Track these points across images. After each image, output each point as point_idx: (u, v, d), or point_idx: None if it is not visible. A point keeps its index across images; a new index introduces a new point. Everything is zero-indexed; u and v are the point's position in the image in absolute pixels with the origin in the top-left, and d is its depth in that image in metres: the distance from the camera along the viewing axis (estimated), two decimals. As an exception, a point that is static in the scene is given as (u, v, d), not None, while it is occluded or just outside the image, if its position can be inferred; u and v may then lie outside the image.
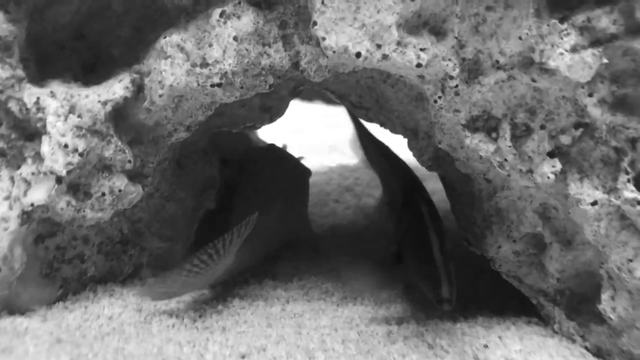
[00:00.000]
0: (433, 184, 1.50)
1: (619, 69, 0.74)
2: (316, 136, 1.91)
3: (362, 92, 0.99)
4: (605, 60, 0.72)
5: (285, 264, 1.16)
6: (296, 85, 1.03)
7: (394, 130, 1.01)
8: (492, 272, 0.98)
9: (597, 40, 0.73)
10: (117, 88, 0.88)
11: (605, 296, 0.81)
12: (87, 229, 0.94)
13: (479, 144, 0.82)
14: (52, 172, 0.85)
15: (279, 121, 1.11)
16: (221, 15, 0.83)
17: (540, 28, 0.75)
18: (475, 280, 1.08)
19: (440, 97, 0.80)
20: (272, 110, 1.07)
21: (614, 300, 0.80)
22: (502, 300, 1.01)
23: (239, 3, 0.83)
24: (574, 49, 0.73)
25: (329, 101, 2.17)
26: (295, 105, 2.29)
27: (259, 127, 1.12)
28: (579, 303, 0.87)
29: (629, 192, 0.75)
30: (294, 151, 1.81)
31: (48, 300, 0.92)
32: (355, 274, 1.05)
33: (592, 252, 0.82)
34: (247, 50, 0.83)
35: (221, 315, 0.95)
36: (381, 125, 1.02)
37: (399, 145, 1.03)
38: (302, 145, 1.82)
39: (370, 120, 1.04)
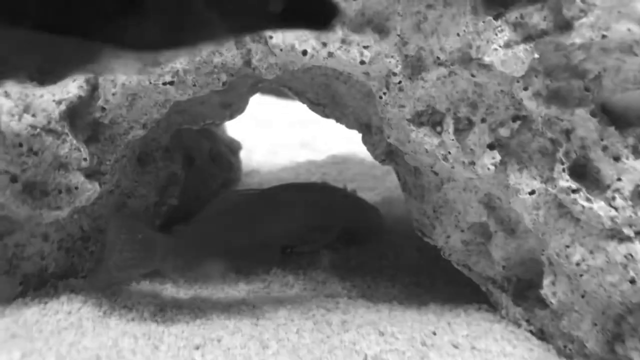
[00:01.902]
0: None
1: (552, 64, 0.77)
2: (287, 133, 1.94)
3: (319, 89, 1.02)
4: (536, 55, 0.75)
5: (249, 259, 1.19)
6: (254, 83, 1.05)
7: (349, 125, 1.03)
8: (448, 262, 1.01)
9: (529, 36, 0.76)
10: (71, 87, 0.89)
11: (546, 281, 0.84)
12: (46, 226, 0.96)
13: (424, 138, 0.85)
14: (6, 172, 0.86)
15: (249, 117, 1.14)
16: (171, 14, 0.84)
17: (476, 25, 0.78)
18: (431, 270, 1.12)
19: (385, 93, 0.83)
20: (232, 107, 1.09)
21: (555, 285, 0.83)
22: (456, 289, 1.04)
23: (189, 2, 0.85)
24: (507, 45, 0.76)
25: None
26: (268, 102, 2.32)
27: (219, 124, 1.14)
28: (525, 289, 0.91)
29: (564, 181, 0.78)
30: (264, 148, 1.84)
31: (8, 296, 0.94)
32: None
33: (533, 239, 0.85)
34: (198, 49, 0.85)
35: (180, 310, 0.97)
36: (337, 120, 1.05)
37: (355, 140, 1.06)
38: (272, 142, 1.84)
39: (327, 116, 1.07)
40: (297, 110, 2.18)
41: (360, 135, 1.03)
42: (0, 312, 0.90)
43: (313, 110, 1.08)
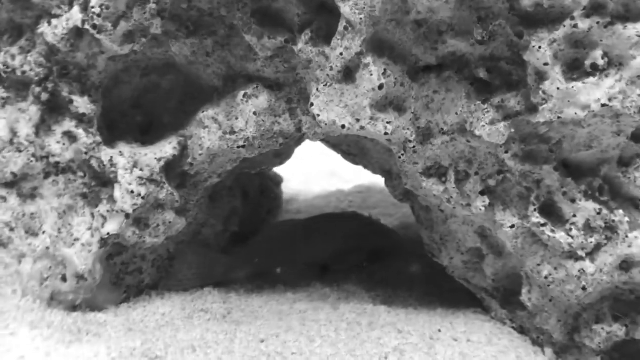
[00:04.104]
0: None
1: (525, 133, 1.04)
2: (316, 163, 2.22)
3: (350, 144, 1.30)
4: (513, 130, 1.03)
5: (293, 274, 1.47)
6: (300, 139, 1.34)
7: (374, 171, 1.32)
8: (452, 277, 1.29)
9: (508, 115, 1.01)
10: (167, 148, 1.19)
11: (524, 290, 1.11)
12: (144, 250, 1.26)
13: (432, 186, 1.13)
14: (122, 210, 1.16)
15: None
16: (244, 95, 1.15)
17: (470, 107, 1.05)
18: (439, 282, 1.39)
19: (403, 154, 1.11)
20: (282, 156, 1.38)
21: (530, 293, 1.10)
22: (458, 296, 1.31)
23: (257, 87, 1.15)
24: (492, 122, 1.03)
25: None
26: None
27: (272, 169, 1.43)
28: (509, 296, 1.17)
29: (535, 218, 1.05)
30: (299, 178, 2.12)
31: (116, 302, 1.18)
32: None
33: (515, 259, 1.13)
34: (263, 121, 1.14)
35: (244, 313, 1.26)
36: (365, 167, 1.33)
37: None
38: (306, 172, 2.13)
39: (356, 163, 1.36)
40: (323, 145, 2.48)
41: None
42: (113, 313, 1.19)
43: (345, 158, 1.37)
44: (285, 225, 1.50)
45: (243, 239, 1.43)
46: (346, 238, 1.43)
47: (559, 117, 0.98)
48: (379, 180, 1.93)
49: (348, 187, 1.94)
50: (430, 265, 1.45)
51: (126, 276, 1.25)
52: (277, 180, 1.76)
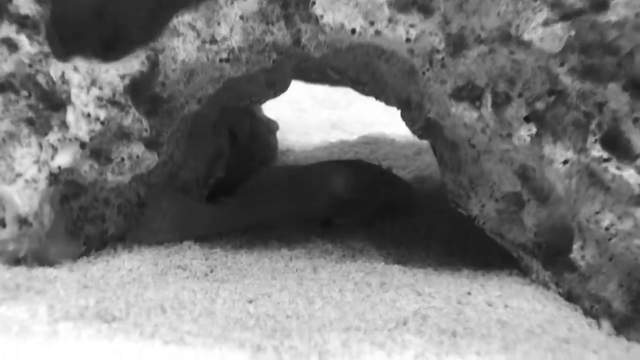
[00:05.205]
0: (429, 158, 1.59)
1: (587, 41, 0.82)
2: (319, 115, 2.00)
3: (359, 68, 1.08)
4: (573, 33, 0.80)
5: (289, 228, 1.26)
6: (298, 63, 1.11)
7: (388, 102, 1.09)
8: (479, 235, 1.07)
9: (566, 15, 0.81)
10: (134, 63, 0.97)
11: (576, 246, 0.90)
12: (107, 192, 1.04)
13: (463, 112, 0.90)
14: (76, 139, 0.94)
15: (286, 101, 1.20)
16: (229, -5, 0.91)
17: (516, 4, 0.83)
18: (463, 242, 1.18)
19: (428, 69, 0.89)
20: (277, 85, 1.16)
21: (584, 249, 0.89)
22: (487, 258, 1.10)
23: (245, -16, 0.91)
24: (545, 23, 0.81)
25: (332, 83, 2.26)
26: (301, 87, 2.38)
27: (264, 102, 1.21)
28: (554, 255, 0.96)
29: (596, 152, 0.84)
30: (298, 129, 1.91)
31: (73, 255, 1.02)
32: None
33: (564, 207, 0.91)
34: (252, 28, 0.91)
35: (230, 270, 1.05)
36: (377, 98, 1.11)
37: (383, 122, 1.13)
38: (306, 123, 1.91)
39: (367, 94, 1.13)
40: (325, 93, 2.26)
41: (387, 118, 1.09)
42: (68, 268, 0.98)
43: (354, 88, 1.14)
44: (280, 171, 1.28)
45: (230, 188, 1.21)
46: (351, 189, 1.21)
47: (637, 15, 0.75)
48: (388, 131, 1.71)
49: (352, 138, 1.71)
50: (451, 221, 1.24)
51: (85, 224, 1.03)
52: (272, 127, 1.55)
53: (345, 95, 2.00)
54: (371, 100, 1.15)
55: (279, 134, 1.63)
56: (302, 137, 1.75)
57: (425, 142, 1.38)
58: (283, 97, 1.28)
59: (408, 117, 1.05)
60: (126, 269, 1.00)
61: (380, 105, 1.16)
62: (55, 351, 0.71)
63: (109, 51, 1.02)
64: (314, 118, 1.92)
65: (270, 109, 1.63)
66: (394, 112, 1.16)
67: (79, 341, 0.73)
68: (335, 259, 1.11)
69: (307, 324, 0.84)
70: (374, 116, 1.91)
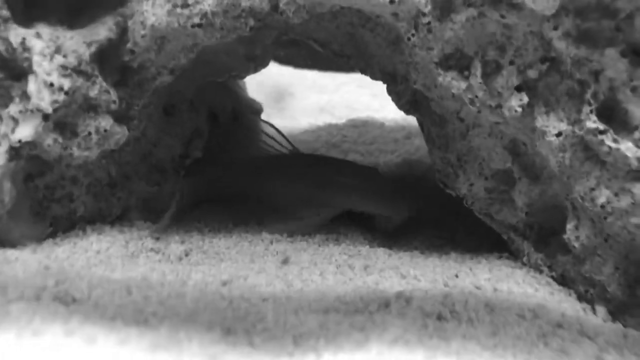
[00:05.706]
0: (419, 142, 1.54)
1: (583, 3, 0.77)
2: (307, 99, 1.94)
3: (343, 40, 1.02)
4: (567, -6, 0.75)
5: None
6: (279, 35, 1.05)
7: (374, 76, 1.03)
8: (468, 217, 1.02)
9: None
10: (101, 30, 0.91)
11: (569, 226, 0.84)
12: (75, 169, 0.97)
13: (451, 82, 0.85)
14: (38, 110, 0.88)
15: (271, 84, 1.14)
16: (201, -45, 0.85)
17: (507, -37, 0.77)
18: (452, 225, 1.12)
19: (413, 35, 0.83)
20: (257, 59, 1.10)
21: (578, 229, 0.83)
22: (476, 241, 1.05)
23: (219, -57, 0.85)
24: (539, -18, 0.75)
25: (321, 68, 2.21)
26: (290, 72, 2.33)
27: (244, 77, 1.15)
28: (546, 236, 0.91)
29: (592, 123, 0.78)
30: (284, 112, 1.86)
31: (38, 236, 0.96)
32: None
33: (557, 184, 0.86)
34: (226, -10, 0.85)
35: (206, 255, 0.99)
36: (362, 72, 1.05)
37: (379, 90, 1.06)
38: (291, 107, 1.85)
39: (351, 68, 1.07)
40: (313, 79, 2.21)
41: (377, 104, 1.03)
42: (32, 250, 0.92)
43: (338, 61, 1.08)
44: (254, 158, 1.23)
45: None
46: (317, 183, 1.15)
47: (636, -28, 0.70)
48: (376, 115, 1.65)
49: (340, 122, 1.65)
50: (440, 204, 1.18)
51: (52, 204, 0.97)
52: (255, 108, 1.48)
53: (334, 80, 1.94)
54: (360, 87, 1.10)
55: (264, 117, 1.57)
56: (288, 121, 1.69)
57: (415, 126, 1.33)
58: (269, 81, 1.23)
59: (394, 91, 0.99)
60: (94, 251, 0.94)
61: (369, 91, 1.10)
62: (2, 333, 0.65)
63: (76, 18, 0.96)
64: (301, 102, 1.87)
65: (260, 93, 1.58)
66: (384, 98, 1.10)
67: (31, 324, 0.68)
68: (318, 242, 1.05)
69: (284, 306, 0.79)
70: (363, 102, 1.85)
